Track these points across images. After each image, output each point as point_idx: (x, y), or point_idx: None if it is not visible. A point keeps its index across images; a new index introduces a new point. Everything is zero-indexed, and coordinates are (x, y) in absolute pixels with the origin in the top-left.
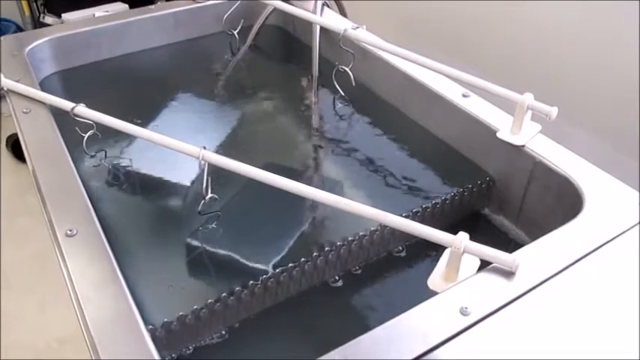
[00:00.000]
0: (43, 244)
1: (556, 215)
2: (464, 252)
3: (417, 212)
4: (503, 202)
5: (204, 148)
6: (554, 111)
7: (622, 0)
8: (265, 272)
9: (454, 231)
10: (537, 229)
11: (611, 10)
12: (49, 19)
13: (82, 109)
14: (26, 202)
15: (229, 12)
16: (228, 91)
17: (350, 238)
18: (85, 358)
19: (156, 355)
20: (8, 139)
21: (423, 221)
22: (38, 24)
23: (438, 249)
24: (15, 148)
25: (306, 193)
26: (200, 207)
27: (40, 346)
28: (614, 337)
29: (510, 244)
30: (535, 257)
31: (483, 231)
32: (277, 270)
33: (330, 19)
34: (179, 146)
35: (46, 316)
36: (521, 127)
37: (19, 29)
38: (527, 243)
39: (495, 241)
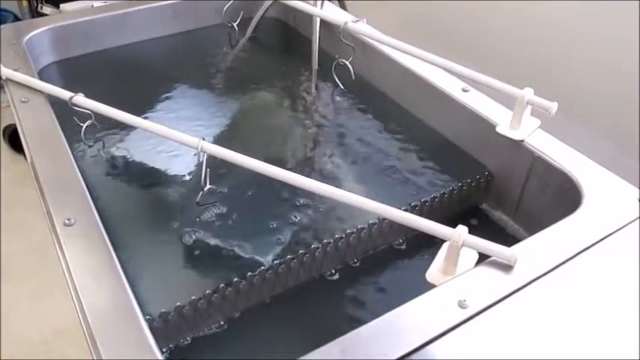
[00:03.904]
0: (38, 236)
1: (554, 210)
2: (462, 245)
3: (415, 206)
4: (502, 197)
5: (203, 139)
6: (553, 106)
7: None
8: (263, 264)
9: (452, 225)
10: (535, 225)
11: (612, 7)
12: (47, 9)
13: (80, 99)
14: (23, 195)
15: (229, 4)
16: (227, 83)
17: (349, 231)
18: (82, 349)
19: (154, 345)
20: (5, 129)
21: (421, 215)
22: (36, 14)
23: (436, 242)
24: (12, 139)
25: (305, 185)
26: (198, 198)
27: (36, 338)
28: (612, 331)
29: (508, 239)
30: (533, 251)
31: (481, 225)
32: (275, 262)
33: (331, 11)
34: (178, 137)
35: (42, 308)
36: (521, 122)
37: (17, 19)
38: (525, 238)
39: (493, 236)
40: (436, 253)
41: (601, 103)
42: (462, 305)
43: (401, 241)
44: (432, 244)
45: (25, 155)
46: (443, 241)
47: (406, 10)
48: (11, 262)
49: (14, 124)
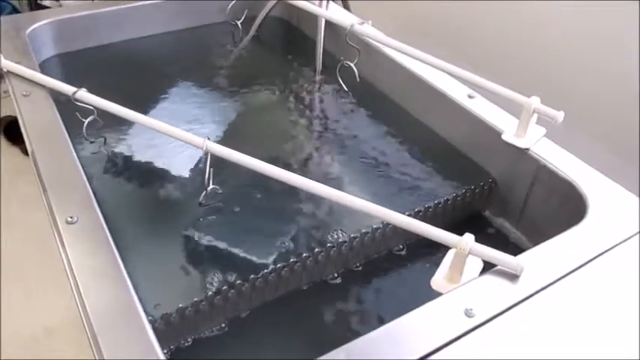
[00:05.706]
0: (32, 231)
1: (558, 220)
2: (469, 253)
3: (419, 211)
4: (505, 205)
5: (208, 138)
6: (560, 115)
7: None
8: (266, 266)
9: (454, 232)
10: (538, 234)
11: (615, 16)
12: (46, 1)
13: (83, 94)
14: (17, 189)
15: (233, 2)
16: (230, 81)
17: (352, 235)
18: (73, 347)
19: (157, 346)
20: (1, 121)
21: (424, 220)
22: (34, 6)
23: (438, 248)
24: (7, 131)
25: (310, 188)
26: (201, 198)
27: (28, 335)
28: (616, 342)
29: (510, 247)
30: (539, 261)
31: (484, 233)
32: (278, 265)
33: (336, 13)
34: (183, 136)
35: (34, 305)
36: (527, 130)
37: (15, 10)
38: (528, 246)
39: (495, 244)
40: (437, 259)
41: (606, 111)
42: (468, 314)
43: (402, 246)
44: (433, 250)
45: (20, 148)
46: (443, 246)
47: (409, 10)
48: (5, 258)
49: (10, 116)
